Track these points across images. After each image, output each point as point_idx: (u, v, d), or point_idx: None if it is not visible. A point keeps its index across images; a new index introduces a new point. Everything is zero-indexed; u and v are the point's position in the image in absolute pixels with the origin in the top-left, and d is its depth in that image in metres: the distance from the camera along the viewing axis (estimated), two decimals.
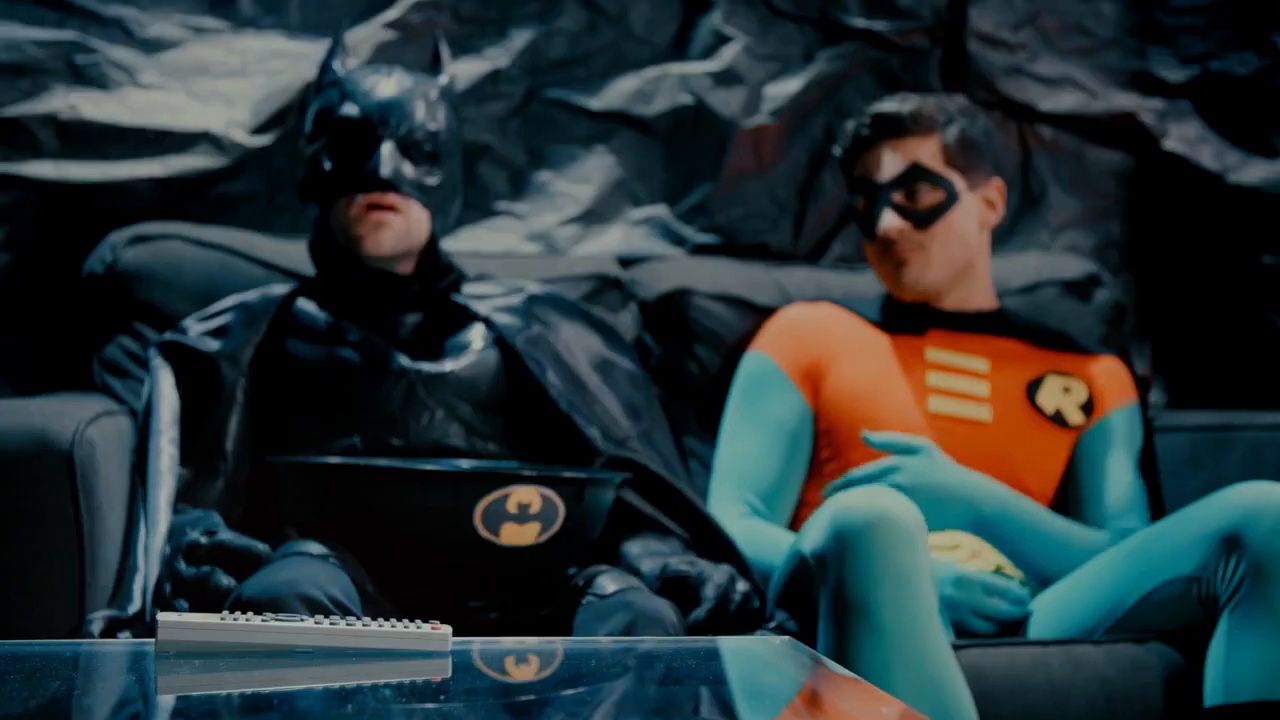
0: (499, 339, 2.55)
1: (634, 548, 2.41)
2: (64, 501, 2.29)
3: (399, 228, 2.50)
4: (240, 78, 3.05)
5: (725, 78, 3.27)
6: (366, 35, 3.08)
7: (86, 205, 2.91)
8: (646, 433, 2.65)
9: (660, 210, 3.25)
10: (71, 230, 2.91)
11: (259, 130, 3.02)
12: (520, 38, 3.19)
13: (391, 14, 3.11)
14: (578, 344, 2.66)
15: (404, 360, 2.48)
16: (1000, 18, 3.40)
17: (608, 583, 2.25)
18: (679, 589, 2.33)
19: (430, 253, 2.57)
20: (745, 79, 3.28)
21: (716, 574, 2.35)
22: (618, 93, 3.24)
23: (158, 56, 3.01)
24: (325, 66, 2.61)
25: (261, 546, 2.20)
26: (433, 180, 2.52)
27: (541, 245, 3.17)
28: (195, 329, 2.52)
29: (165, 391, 2.44)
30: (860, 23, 3.34)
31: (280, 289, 2.57)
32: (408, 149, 2.49)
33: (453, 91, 2.63)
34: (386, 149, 2.47)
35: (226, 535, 2.22)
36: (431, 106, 2.53)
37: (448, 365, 2.49)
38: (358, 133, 2.49)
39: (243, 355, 2.47)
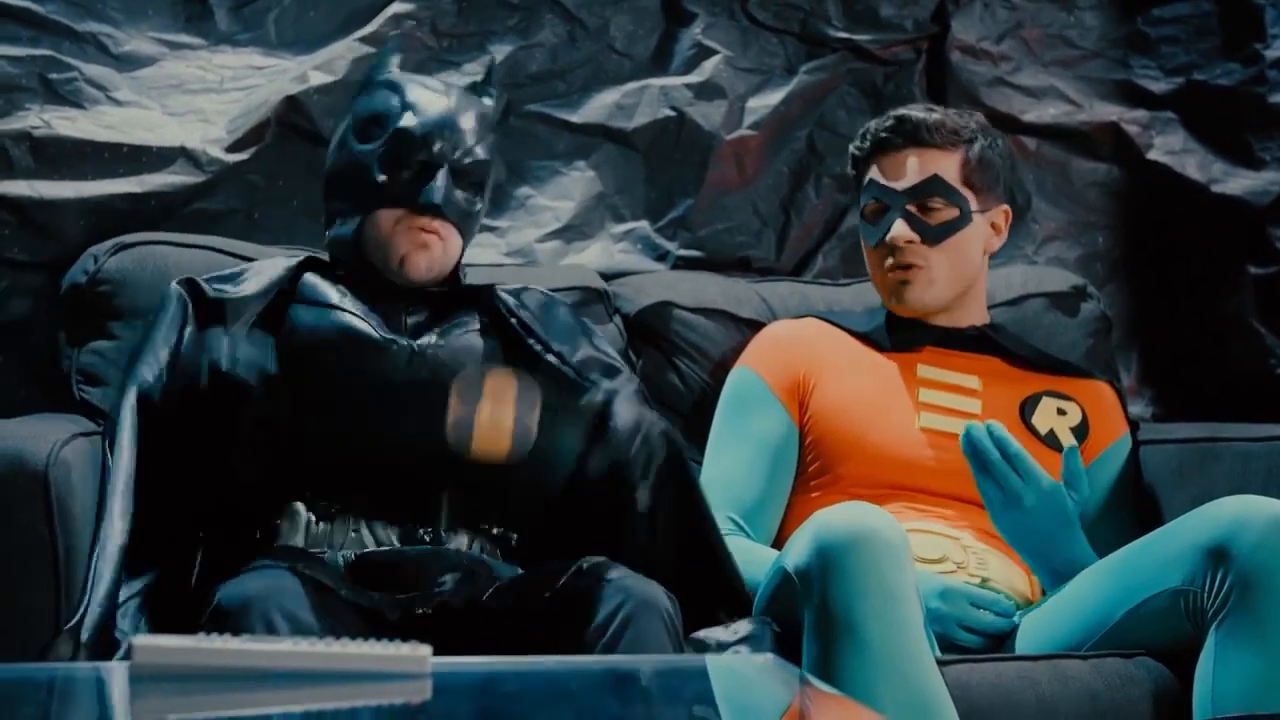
0: (494, 324, 2.55)
1: None
2: (38, 522, 2.27)
3: (438, 252, 2.52)
4: (216, 94, 3.03)
5: (706, 90, 3.25)
6: (343, 50, 3.06)
7: (62, 223, 2.89)
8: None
9: (641, 225, 3.23)
10: (47, 249, 2.88)
11: (235, 147, 3.00)
12: (499, 51, 3.18)
13: (369, 29, 3.09)
14: (570, 337, 2.66)
15: (404, 334, 2.49)
16: (983, 29, 3.40)
17: (606, 569, 2.26)
18: None
19: (452, 273, 2.59)
20: (727, 92, 3.27)
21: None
22: (598, 106, 3.23)
23: (133, 73, 2.99)
24: (379, 66, 2.60)
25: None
26: (475, 208, 2.55)
27: (522, 261, 3.15)
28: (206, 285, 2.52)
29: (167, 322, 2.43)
30: (842, 35, 3.33)
31: (288, 261, 2.56)
32: (458, 175, 2.51)
33: (496, 115, 2.63)
34: (441, 174, 2.49)
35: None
36: (482, 133, 2.54)
37: (445, 340, 2.49)
38: (414, 148, 2.50)
39: (253, 304, 2.48)
